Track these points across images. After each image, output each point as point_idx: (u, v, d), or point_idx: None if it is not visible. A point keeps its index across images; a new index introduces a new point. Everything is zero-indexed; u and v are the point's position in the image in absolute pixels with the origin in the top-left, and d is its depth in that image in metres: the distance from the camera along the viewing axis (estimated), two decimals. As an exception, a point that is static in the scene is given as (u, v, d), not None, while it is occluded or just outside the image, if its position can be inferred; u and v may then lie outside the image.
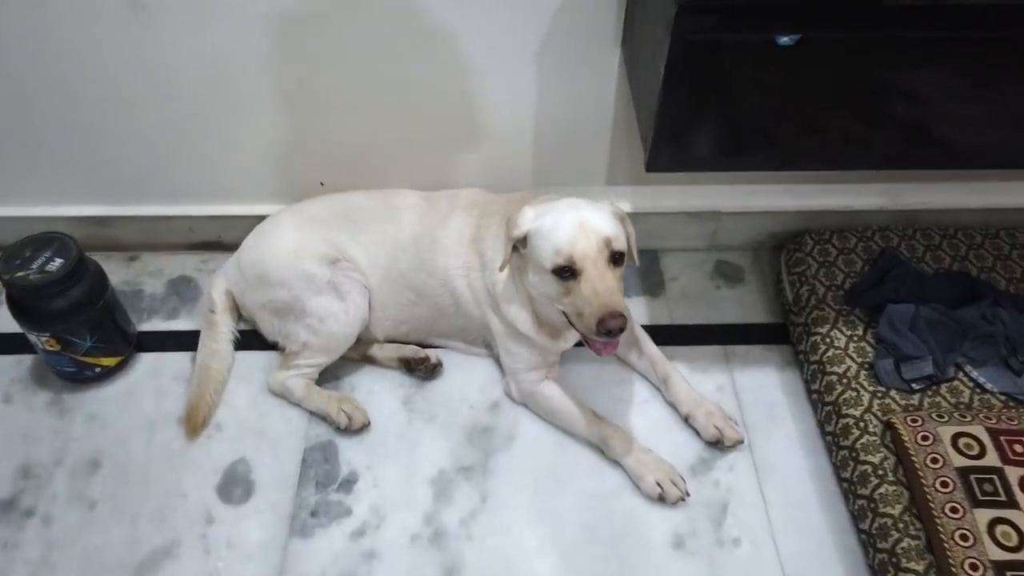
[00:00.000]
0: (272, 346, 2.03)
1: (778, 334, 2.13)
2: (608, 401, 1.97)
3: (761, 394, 2.00)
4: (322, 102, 1.97)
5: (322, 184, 2.15)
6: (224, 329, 2.01)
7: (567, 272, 1.62)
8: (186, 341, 2.06)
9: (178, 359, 2.04)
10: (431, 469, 1.84)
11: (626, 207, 2.21)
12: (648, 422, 1.94)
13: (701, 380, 2.02)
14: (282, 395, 1.95)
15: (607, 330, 1.56)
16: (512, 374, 1.93)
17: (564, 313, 1.70)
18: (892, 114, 1.53)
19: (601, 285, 1.59)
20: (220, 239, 2.29)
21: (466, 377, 2.02)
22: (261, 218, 2.10)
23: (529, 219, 1.69)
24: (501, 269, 1.75)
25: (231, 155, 2.09)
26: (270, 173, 2.14)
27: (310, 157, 2.10)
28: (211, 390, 1.93)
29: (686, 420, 1.92)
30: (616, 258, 1.64)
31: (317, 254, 1.91)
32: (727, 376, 2.04)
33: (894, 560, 1.59)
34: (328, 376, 1.99)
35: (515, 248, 1.72)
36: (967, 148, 1.61)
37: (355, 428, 1.88)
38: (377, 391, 1.99)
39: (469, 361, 2.05)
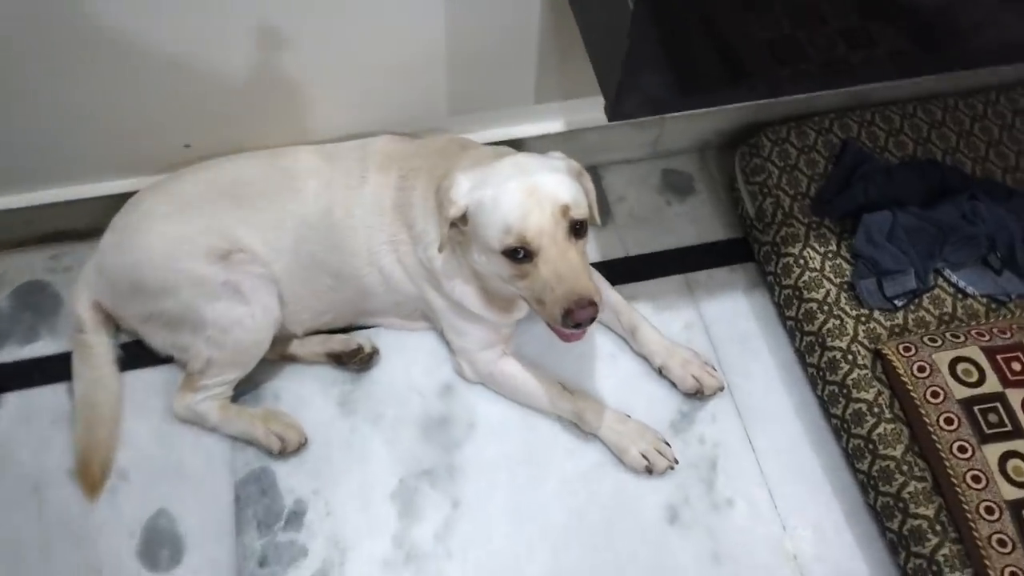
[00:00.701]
0: (167, 358, 1.67)
1: (739, 251, 1.94)
2: (572, 361, 1.76)
3: (733, 326, 1.84)
4: (173, 38, 1.48)
5: (187, 147, 1.70)
6: (101, 350, 1.64)
7: (520, 253, 1.33)
8: (56, 369, 1.67)
9: (52, 395, 1.66)
10: (389, 481, 1.60)
11: (560, 126, 1.90)
12: (619, 380, 1.75)
13: (668, 320, 1.82)
14: (192, 421, 1.62)
15: (575, 323, 1.31)
16: (464, 354, 1.67)
17: (522, 296, 1.42)
18: (908, 14, 1.25)
19: (563, 266, 1.31)
20: (71, 227, 1.83)
21: (408, 359, 1.74)
22: (116, 198, 1.68)
23: (464, 191, 1.37)
24: (440, 251, 1.44)
25: (60, 122, 1.59)
26: (116, 139, 1.66)
27: (167, 113, 1.63)
28: (103, 429, 1.59)
29: (660, 372, 1.74)
30: (577, 228, 1.35)
31: (203, 249, 1.53)
32: (694, 310, 1.85)
33: (900, 505, 1.51)
34: (245, 385, 1.66)
35: (453, 224, 1.41)
36: (989, 45, 1.36)
37: (291, 450, 1.60)
38: (307, 396, 1.69)
39: (407, 339, 1.76)
